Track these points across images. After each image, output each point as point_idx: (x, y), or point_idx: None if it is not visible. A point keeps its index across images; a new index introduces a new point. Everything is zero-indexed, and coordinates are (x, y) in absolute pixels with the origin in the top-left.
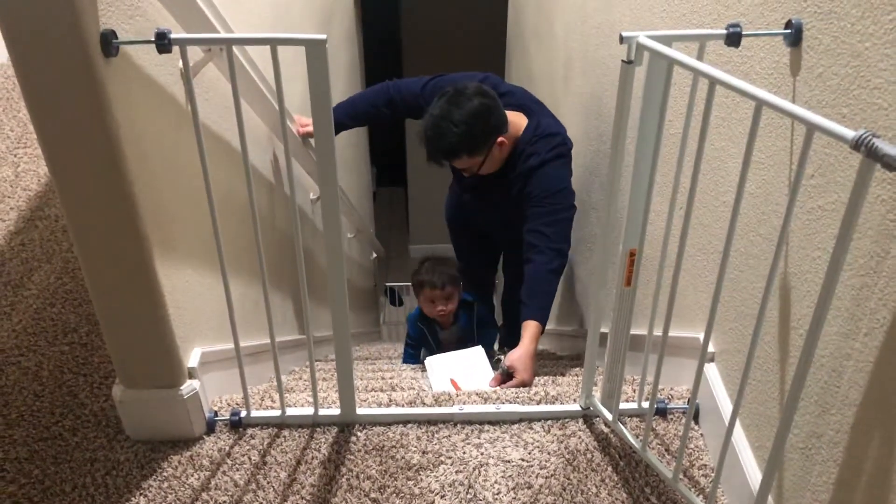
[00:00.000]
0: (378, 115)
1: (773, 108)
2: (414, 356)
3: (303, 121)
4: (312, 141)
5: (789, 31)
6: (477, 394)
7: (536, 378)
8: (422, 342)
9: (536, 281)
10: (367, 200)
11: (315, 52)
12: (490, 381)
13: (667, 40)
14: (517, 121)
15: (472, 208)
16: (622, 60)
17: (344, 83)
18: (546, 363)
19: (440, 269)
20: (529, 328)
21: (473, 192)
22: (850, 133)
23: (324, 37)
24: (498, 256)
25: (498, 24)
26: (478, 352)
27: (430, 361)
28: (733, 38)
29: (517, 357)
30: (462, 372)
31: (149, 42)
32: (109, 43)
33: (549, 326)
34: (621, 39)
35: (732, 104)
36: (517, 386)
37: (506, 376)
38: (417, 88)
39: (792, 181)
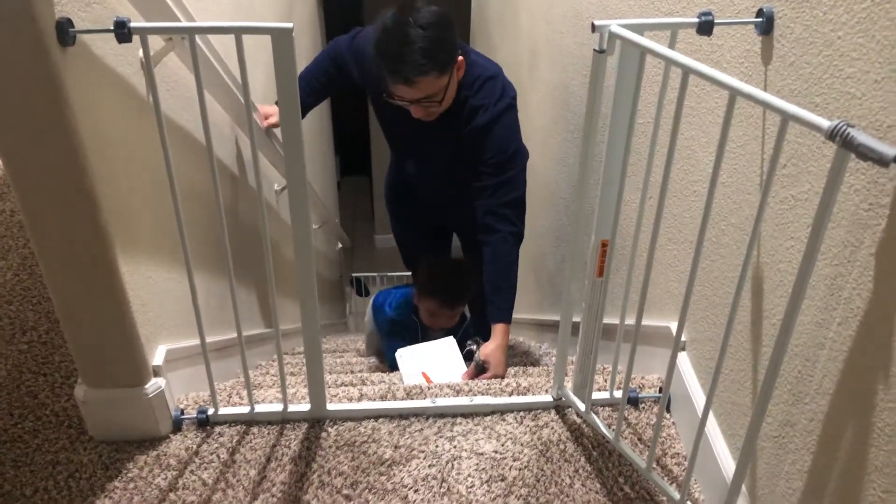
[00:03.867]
0: (329, 79)
1: (748, 97)
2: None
3: (266, 111)
4: (277, 132)
5: (761, 19)
6: (449, 386)
7: (508, 369)
8: (403, 329)
9: (500, 274)
10: (331, 190)
11: (281, 41)
12: (463, 375)
13: (639, 29)
14: None
15: (416, 180)
16: (594, 50)
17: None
18: (517, 353)
19: (456, 285)
20: (500, 328)
21: (418, 160)
22: (825, 123)
23: (290, 25)
24: (448, 244)
25: (462, 11)
26: (449, 343)
27: (402, 353)
28: (705, 27)
29: (490, 351)
30: (434, 364)
31: (107, 31)
32: (66, 32)
33: (520, 315)
34: (593, 28)
35: (703, 93)
36: (491, 378)
37: (479, 370)
38: (347, 40)
39: (765, 171)
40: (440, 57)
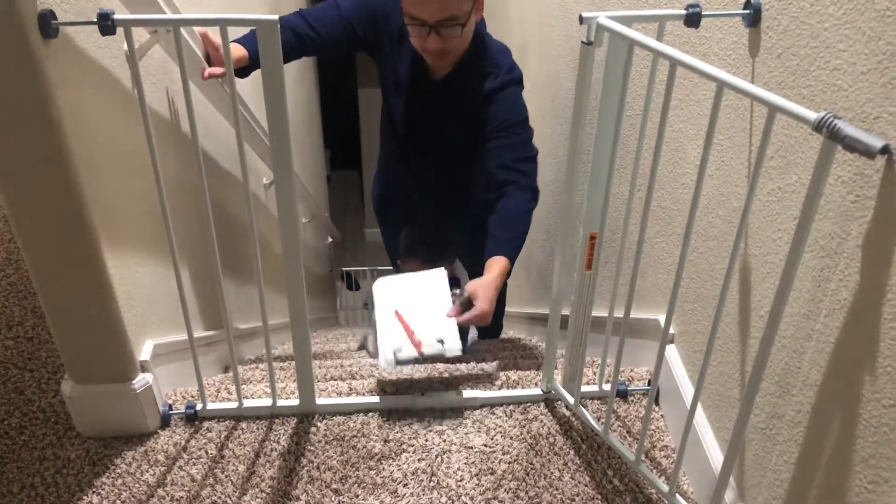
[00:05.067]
0: (330, 30)
1: (736, 89)
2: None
3: (211, 40)
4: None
5: (748, 11)
6: (440, 381)
7: (497, 362)
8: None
9: (514, 215)
10: (321, 184)
11: (267, 32)
12: (448, 312)
13: (627, 21)
14: None
15: (416, 178)
16: (582, 42)
17: (296, 63)
18: (506, 347)
19: (437, 241)
20: (499, 262)
21: (421, 149)
22: (812, 115)
23: (276, 17)
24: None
25: None
26: (439, 275)
27: (380, 284)
28: (693, 19)
29: (480, 285)
30: (416, 299)
31: (91, 23)
32: (48, 24)
33: (511, 309)
34: (581, 20)
35: (691, 85)
36: (476, 317)
37: (465, 307)
38: (353, 3)
39: (752, 162)
40: None
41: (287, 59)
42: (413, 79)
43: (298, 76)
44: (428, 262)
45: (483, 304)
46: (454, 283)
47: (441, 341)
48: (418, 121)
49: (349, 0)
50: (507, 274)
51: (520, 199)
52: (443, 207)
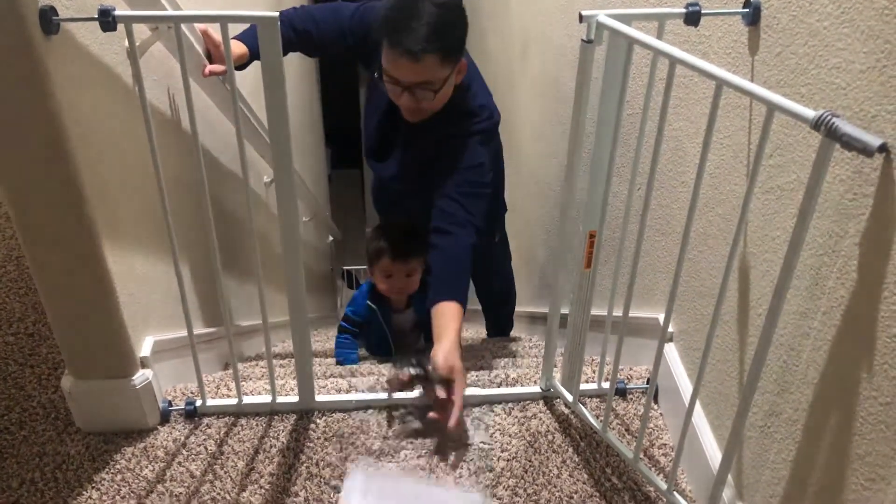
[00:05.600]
0: (323, 32)
1: (734, 88)
2: (352, 348)
3: (212, 37)
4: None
5: (747, 9)
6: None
7: (497, 360)
8: (368, 328)
9: (459, 259)
10: (322, 182)
11: (268, 29)
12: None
13: (626, 19)
14: None
15: (393, 183)
16: (581, 40)
17: (297, 62)
18: (505, 344)
19: (405, 237)
20: (452, 311)
21: (391, 162)
22: (810, 113)
23: (276, 14)
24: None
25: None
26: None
27: (357, 474)
28: (692, 17)
29: (447, 354)
30: None
31: (92, 19)
32: (49, 20)
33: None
34: (581, 18)
35: (691, 84)
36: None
37: (445, 384)
38: (346, 14)
39: (751, 161)
40: (448, 40)
41: (282, 53)
42: (390, 108)
43: (300, 75)
44: (397, 259)
45: (461, 378)
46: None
47: None
48: (381, 147)
49: (349, 8)
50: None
51: (464, 237)
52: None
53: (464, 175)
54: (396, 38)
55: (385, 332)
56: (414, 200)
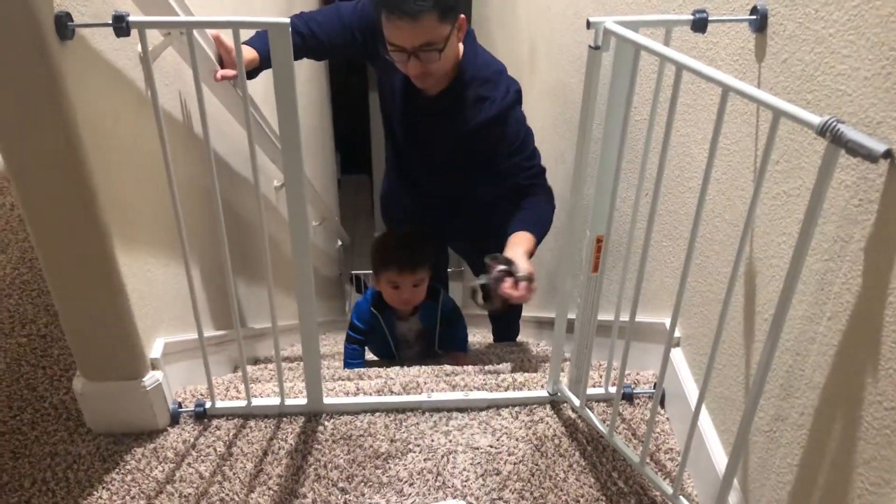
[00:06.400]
0: (331, 36)
1: (740, 94)
2: (359, 356)
3: (223, 43)
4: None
5: (755, 16)
6: (445, 382)
7: (504, 364)
8: (372, 335)
9: (538, 207)
10: (332, 188)
11: (279, 35)
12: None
13: (634, 26)
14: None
15: (416, 185)
16: (589, 46)
17: (307, 67)
18: (513, 349)
19: (412, 246)
20: (532, 243)
21: (418, 158)
22: (815, 119)
23: (287, 20)
24: (446, 259)
25: (463, 10)
26: None
27: None
28: (699, 24)
29: (520, 255)
30: None
31: (106, 25)
32: (65, 26)
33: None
34: (588, 25)
35: (698, 90)
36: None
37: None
38: (347, 12)
39: (757, 167)
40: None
41: None
42: (407, 93)
43: (310, 80)
44: (405, 270)
45: (531, 270)
46: (502, 261)
47: None
48: (413, 131)
49: (349, 6)
50: (531, 254)
51: (543, 200)
52: (439, 215)
53: (522, 156)
54: (393, 4)
55: (387, 342)
56: (439, 188)
